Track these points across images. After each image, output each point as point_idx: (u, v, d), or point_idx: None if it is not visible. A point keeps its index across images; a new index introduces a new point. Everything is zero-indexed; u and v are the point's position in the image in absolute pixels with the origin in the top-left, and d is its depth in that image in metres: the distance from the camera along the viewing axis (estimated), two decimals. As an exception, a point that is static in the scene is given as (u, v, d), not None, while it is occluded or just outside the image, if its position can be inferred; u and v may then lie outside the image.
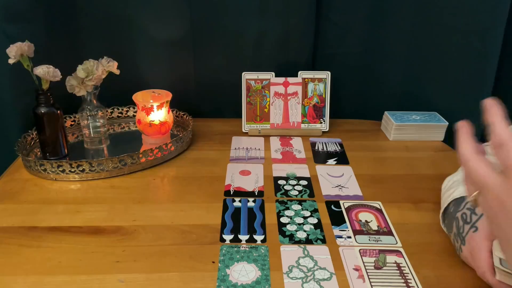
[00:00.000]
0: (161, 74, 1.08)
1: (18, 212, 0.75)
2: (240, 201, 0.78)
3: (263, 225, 0.72)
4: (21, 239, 0.68)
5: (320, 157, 0.95)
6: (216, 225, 0.72)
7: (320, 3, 1.03)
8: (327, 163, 0.93)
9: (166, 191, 0.84)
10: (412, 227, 0.72)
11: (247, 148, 0.98)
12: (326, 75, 1.04)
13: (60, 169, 0.83)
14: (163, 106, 0.95)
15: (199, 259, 0.64)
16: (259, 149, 0.98)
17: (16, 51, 0.80)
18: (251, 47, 1.06)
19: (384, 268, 0.63)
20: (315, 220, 0.73)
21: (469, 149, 0.39)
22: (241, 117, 1.05)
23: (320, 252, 0.66)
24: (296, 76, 1.04)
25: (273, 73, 1.04)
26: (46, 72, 0.81)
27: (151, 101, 0.95)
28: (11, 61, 0.81)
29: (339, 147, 1.00)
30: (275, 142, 1.02)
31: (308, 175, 0.88)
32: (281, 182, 0.85)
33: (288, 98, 1.05)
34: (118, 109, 1.08)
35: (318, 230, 0.71)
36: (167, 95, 0.97)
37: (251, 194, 0.81)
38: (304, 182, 0.85)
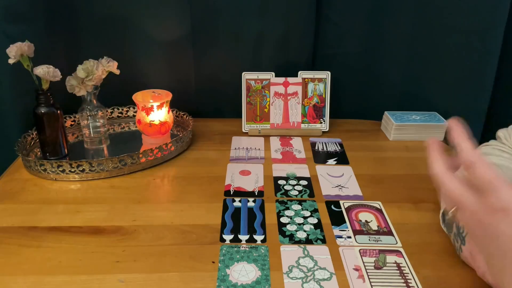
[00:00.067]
0: (161, 74, 1.08)
1: (18, 212, 0.75)
2: (240, 201, 0.78)
3: (263, 225, 0.72)
4: (21, 239, 0.68)
5: (320, 157, 0.95)
6: (216, 225, 0.72)
7: (320, 3, 1.03)
8: (327, 163, 0.93)
9: (166, 191, 0.84)
10: (412, 227, 0.72)
11: (247, 148, 0.98)
12: (326, 75, 1.04)
13: (60, 169, 0.83)
14: (163, 106, 0.95)
15: (199, 259, 0.64)
16: (259, 149, 0.98)
17: (16, 51, 0.80)
18: (251, 47, 1.06)
19: (384, 268, 0.63)
20: (315, 220, 0.73)
21: (441, 168, 0.40)
22: (241, 117, 1.05)
23: (320, 252, 0.66)
24: (296, 76, 1.04)
25: (273, 73, 1.04)
26: (46, 72, 0.81)
27: (151, 101, 0.95)
28: (11, 61, 0.81)
29: (339, 147, 1.00)
30: (275, 142, 1.02)
31: (308, 175, 0.88)
32: (281, 182, 0.85)
33: (288, 98, 1.05)
34: (118, 109, 1.08)
35: (318, 230, 0.71)
36: (167, 95, 0.97)
37: (251, 194, 0.81)
38: (304, 182, 0.85)
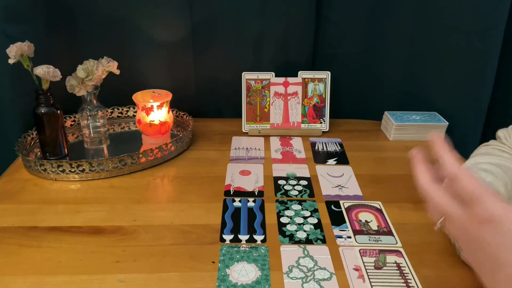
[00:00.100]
0: (161, 74, 1.08)
1: (18, 212, 0.75)
2: (240, 201, 0.78)
3: (263, 225, 0.72)
4: (21, 239, 0.68)
5: (320, 157, 0.95)
6: (216, 225, 0.72)
7: (320, 3, 1.03)
8: (327, 163, 0.93)
9: (166, 191, 0.84)
10: (412, 227, 0.72)
11: (247, 148, 0.98)
12: (326, 75, 1.04)
13: (60, 169, 0.83)
14: (163, 106, 0.95)
15: (199, 259, 0.64)
16: (259, 149, 0.98)
17: (16, 51, 0.80)
18: (251, 47, 1.06)
19: (384, 268, 0.63)
20: (315, 220, 0.73)
21: (427, 180, 0.40)
22: (241, 117, 1.05)
23: (320, 252, 0.66)
24: (296, 76, 1.04)
25: (273, 73, 1.04)
26: (46, 72, 0.81)
27: (151, 101, 0.95)
28: (11, 61, 0.81)
29: (339, 147, 1.00)
30: (275, 142, 1.02)
31: (308, 175, 0.88)
32: (281, 182, 0.85)
33: (288, 98, 1.05)
34: (118, 109, 1.08)
35: (318, 230, 0.71)
36: (167, 95, 0.97)
37: (251, 194, 0.81)
38: (304, 182, 0.85)
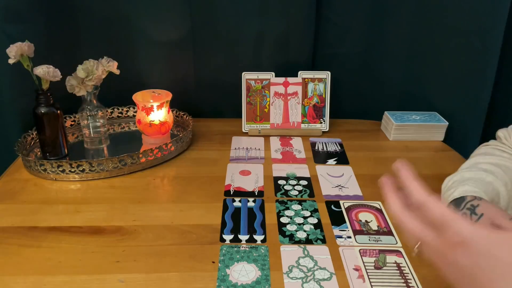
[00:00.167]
0: (161, 74, 1.08)
1: (18, 212, 0.75)
2: (240, 201, 0.78)
3: (263, 225, 0.72)
4: (21, 239, 0.68)
5: (320, 157, 0.95)
6: (216, 225, 0.72)
7: (320, 3, 1.03)
8: (327, 163, 0.93)
9: (166, 191, 0.84)
10: (412, 227, 0.72)
11: (247, 148, 0.98)
12: (326, 75, 1.04)
13: (60, 169, 0.83)
14: (163, 106, 0.95)
15: (199, 259, 0.64)
16: (259, 149, 0.98)
17: (16, 51, 0.80)
18: (251, 47, 1.06)
19: (384, 268, 0.63)
20: (315, 220, 0.73)
21: (398, 208, 0.41)
22: (241, 117, 1.05)
23: (320, 252, 0.66)
24: (296, 76, 1.04)
25: (273, 73, 1.04)
26: (46, 72, 0.81)
27: (151, 101, 0.95)
28: (11, 61, 0.81)
29: (339, 147, 1.00)
30: (275, 142, 1.02)
31: (308, 175, 0.88)
32: (281, 182, 0.85)
33: (288, 98, 1.05)
34: (118, 109, 1.08)
35: (318, 230, 0.71)
36: (167, 95, 0.97)
37: (251, 194, 0.81)
38: (304, 182, 0.85)
